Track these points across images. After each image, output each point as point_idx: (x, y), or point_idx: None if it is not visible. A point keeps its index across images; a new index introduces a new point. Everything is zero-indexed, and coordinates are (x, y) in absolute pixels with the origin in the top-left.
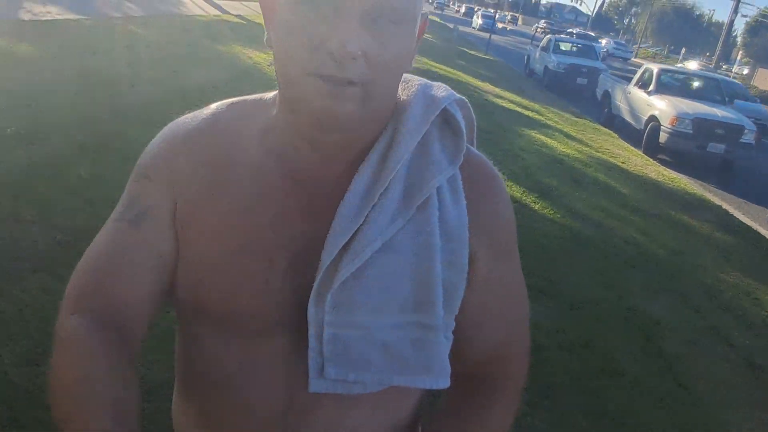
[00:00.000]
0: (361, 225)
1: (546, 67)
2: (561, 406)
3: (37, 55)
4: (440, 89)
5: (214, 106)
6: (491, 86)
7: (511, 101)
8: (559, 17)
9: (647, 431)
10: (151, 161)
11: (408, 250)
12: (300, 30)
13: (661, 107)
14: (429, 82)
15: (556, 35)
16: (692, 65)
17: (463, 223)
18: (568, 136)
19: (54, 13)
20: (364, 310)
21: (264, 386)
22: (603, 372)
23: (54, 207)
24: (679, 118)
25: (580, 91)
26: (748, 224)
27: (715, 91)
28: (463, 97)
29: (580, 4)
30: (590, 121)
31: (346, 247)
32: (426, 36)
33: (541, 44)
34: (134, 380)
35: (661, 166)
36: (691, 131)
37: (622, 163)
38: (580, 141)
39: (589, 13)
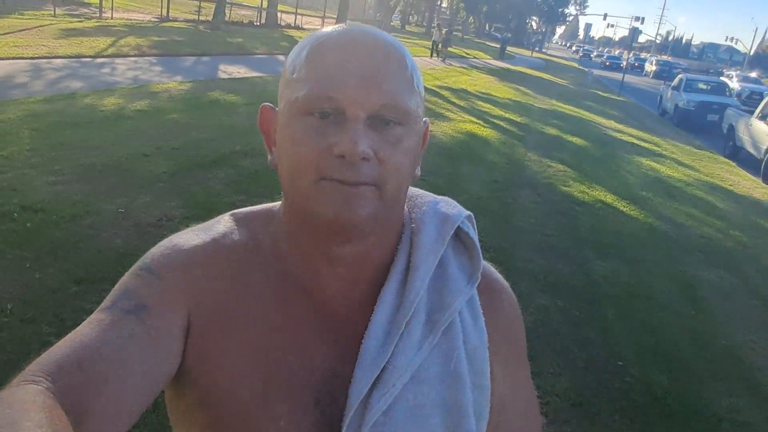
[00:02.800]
0: (389, 358)
1: (676, 106)
2: (597, 308)
3: (241, 102)
4: (449, 205)
5: (221, 219)
6: (614, 123)
7: (630, 135)
8: (713, 57)
9: (654, 326)
10: (162, 261)
11: (436, 379)
12: (307, 138)
13: None
14: (435, 197)
15: (688, 75)
16: None
17: (483, 342)
18: (679, 163)
19: (242, 72)
20: None
21: None
22: (637, 296)
23: (252, 201)
24: None
25: (712, 127)
26: None
27: None
28: (470, 213)
29: (736, 43)
30: (711, 153)
31: (374, 383)
32: (560, 81)
33: (672, 84)
34: None
35: None
36: None
37: (729, 185)
38: (691, 167)
39: (747, 52)
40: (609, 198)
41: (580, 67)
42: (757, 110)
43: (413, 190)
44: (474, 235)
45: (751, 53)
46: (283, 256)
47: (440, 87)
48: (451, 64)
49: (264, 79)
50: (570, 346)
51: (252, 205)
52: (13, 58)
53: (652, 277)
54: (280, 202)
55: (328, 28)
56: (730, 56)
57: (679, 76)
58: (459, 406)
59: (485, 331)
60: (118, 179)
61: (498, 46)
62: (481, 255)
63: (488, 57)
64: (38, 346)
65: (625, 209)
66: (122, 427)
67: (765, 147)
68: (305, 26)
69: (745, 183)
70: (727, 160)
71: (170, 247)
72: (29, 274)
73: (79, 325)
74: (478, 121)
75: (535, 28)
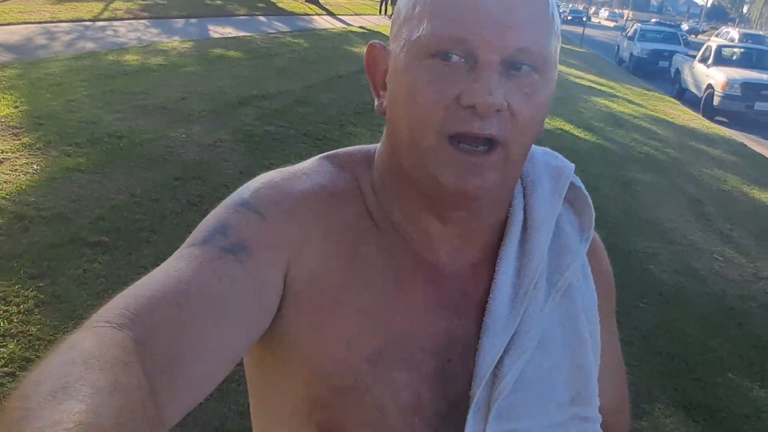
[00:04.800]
0: (518, 323)
1: (631, 54)
2: None
3: (242, 57)
4: (554, 157)
5: (317, 162)
6: (576, 71)
7: (589, 80)
8: (672, 10)
9: (597, 206)
10: (266, 200)
11: (559, 343)
12: (431, 86)
13: (716, 76)
14: (541, 148)
15: (642, 25)
16: None
17: (594, 302)
18: (630, 101)
19: (231, 32)
20: (523, 415)
21: None
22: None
23: (281, 129)
24: (729, 83)
25: (662, 72)
26: (757, 150)
27: None
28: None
29: None
30: (660, 94)
31: (504, 350)
32: None
33: (628, 34)
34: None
35: (706, 121)
36: (739, 93)
37: (671, 118)
38: (639, 105)
39: (704, 5)
40: (567, 127)
41: None
42: (699, 54)
43: None
44: (584, 190)
45: (708, 5)
46: (388, 209)
47: None
48: None
49: (253, 38)
50: None
51: (286, 132)
52: (24, 23)
53: (599, 179)
54: (375, 146)
55: None
56: (688, 8)
57: (635, 26)
58: (583, 369)
59: (595, 290)
60: (169, 116)
61: None
62: (593, 210)
63: None
64: (170, 216)
65: (580, 134)
66: (212, 383)
67: (704, 86)
68: None
69: (685, 116)
70: (673, 99)
71: (272, 187)
72: (139, 174)
73: (187, 209)
74: None
75: None
